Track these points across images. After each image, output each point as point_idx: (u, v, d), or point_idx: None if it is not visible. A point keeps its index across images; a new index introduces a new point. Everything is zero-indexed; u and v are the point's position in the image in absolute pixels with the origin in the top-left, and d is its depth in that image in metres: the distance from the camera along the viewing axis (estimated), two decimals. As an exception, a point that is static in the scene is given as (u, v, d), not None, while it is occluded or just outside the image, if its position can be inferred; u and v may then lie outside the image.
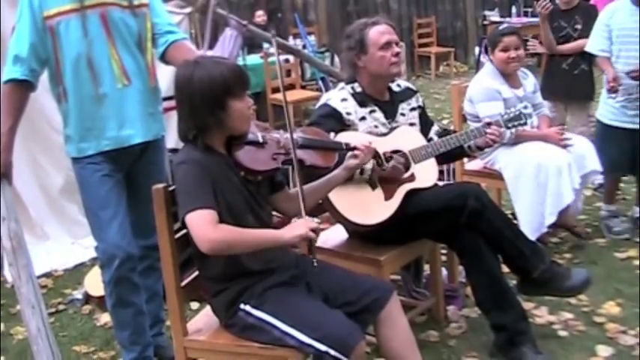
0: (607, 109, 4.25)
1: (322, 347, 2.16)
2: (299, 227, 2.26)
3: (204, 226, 2.16)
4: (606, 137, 4.22)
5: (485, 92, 3.93)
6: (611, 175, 4.34)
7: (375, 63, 3.08)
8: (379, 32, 3.08)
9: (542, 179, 3.75)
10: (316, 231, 2.26)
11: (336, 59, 9.31)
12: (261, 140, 2.38)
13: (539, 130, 4.04)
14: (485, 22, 12.15)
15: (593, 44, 4.27)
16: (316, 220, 2.34)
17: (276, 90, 7.87)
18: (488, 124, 3.14)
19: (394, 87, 3.26)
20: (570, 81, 4.56)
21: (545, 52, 5.11)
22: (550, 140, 3.91)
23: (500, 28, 4.14)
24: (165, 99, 3.17)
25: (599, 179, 4.57)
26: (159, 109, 3.04)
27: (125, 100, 2.83)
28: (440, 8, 12.45)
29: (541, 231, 3.79)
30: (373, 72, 3.11)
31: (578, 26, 4.76)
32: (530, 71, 4.28)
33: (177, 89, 2.31)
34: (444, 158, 3.23)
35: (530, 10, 12.35)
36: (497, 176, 4.05)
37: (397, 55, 3.09)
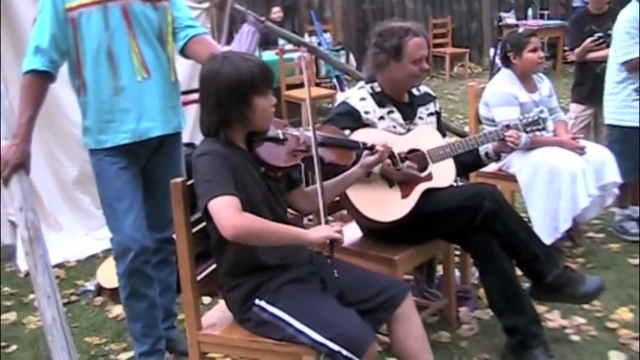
0: (630, 111, 4.21)
1: (335, 347, 2.17)
2: (325, 229, 2.27)
3: (228, 211, 2.16)
4: (631, 140, 4.17)
5: (502, 97, 3.92)
6: (635, 178, 4.33)
7: (403, 73, 3.08)
8: (417, 46, 3.06)
9: (555, 185, 3.74)
10: (341, 233, 2.27)
11: (351, 57, 9.32)
12: (281, 137, 2.39)
13: (555, 137, 4.03)
14: (501, 24, 12.14)
15: (630, 50, 4.12)
16: (330, 218, 2.35)
17: (290, 87, 7.88)
18: (507, 127, 3.13)
19: (414, 91, 3.26)
20: (604, 85, 4.50)
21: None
22: (565, 147, 3.90)
23: (520, 31, 4.12)
24: (183, 93, 3.18)
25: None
26: (178, 102, 3.05)
27: (144, 93, 2.83)
28: (455, 9, 12.43)
29: (555, 236, 3.78)
30: (396, 79, 3.11)
31: (611, 32, 4.70)
32: (544, 74, 4.27)
33: (204, 82, 2.32)
34: (461, 170, 3.23)
35: (546, 12, 12.34)
36: (512, 179, 4.04)
37: (423, 70, 3.11)
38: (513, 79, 4.02)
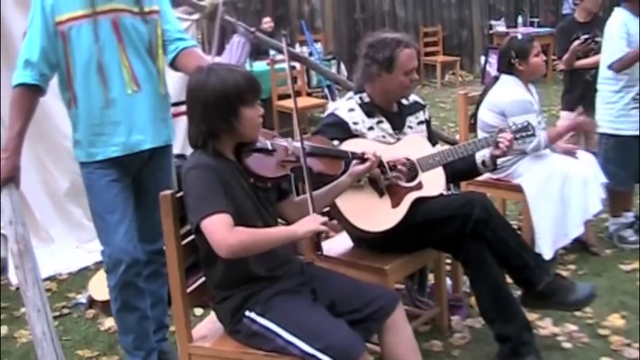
0: (627, 120, 4.22)
1: (325, 358, 2.16)
2: (310, 222, 2.27)
3: (221, 230, 2.17)
4: (629, 149, 4.20)
5: (520, 104, 3.87)
6: (630, 187, 4.36)
7: (394, 84, 3.09)
8: (409, 57, 3.07)
9: (566, 191, 3.81)
10: (327, 224, 2.27)
11: (342, 67, 9.33)
12: (270, 147, 2.40)
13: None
14: (492, 32, 12.20)
15: (617, 54, 4.14)
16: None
17: (282, 97, 7.89)
18: (500, 131, 3.13)
19: (403, 100, 3.26)
20: (594, 92, 4.52)
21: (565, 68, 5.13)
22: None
23: (520, 37, 4.13)
24: (173, 105, 3.19)
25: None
26: (169, 115, 3.06)
27: (135, 106, 2.84)
28: (446, 17, 12.48)
29: (563, 243, 3.87)
30: (387, 90, 3.12)
31: (599, 39, 4.71)
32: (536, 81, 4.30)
33: (190, 95, 2.33)
34: (456, 177, 3.25)
35: (536, 20, 12.42)
36: (503, 187, 4.06)
37: (414, 81, 3.13)
38: (521, 85, 4.01)
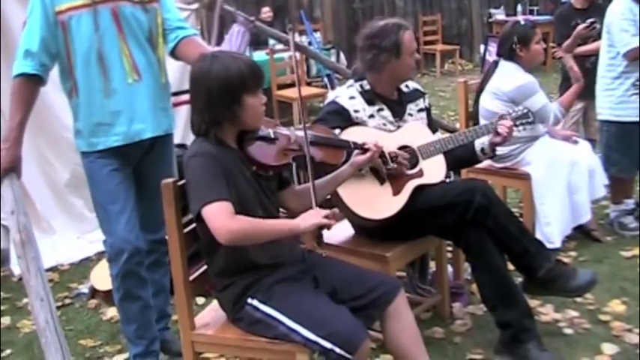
0: (628, 106, 4.19)
1: (327, 344, 2.17)
2: (313, 216, 2.27)
3: (222, 217, 2.18)
4: (630, 135, 4.19)
5: (528, 87, 3.86)
6: (632, 174, 4.38)
7: (403, 68, 3.10)
8: (410, 38, 3.10)
9: (573, 178, 3.83)
10: (329, 218, 2.27)
11: (342, 56, 9.33)
12: (272, 136, 2.40)
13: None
14: (491, 20, 12.18)
15: (630, 41, 4.07)
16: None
17: (281, 87, 7.89)
18: (500, 118, 3.13)
19: (403, 87, 3.26)
20: (594, 79, 4.51)
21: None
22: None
23: (522, 23, 4.09)
24: (173, 94, 3.18)
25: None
26: (169, 104, 3.05)
27: (135, 96, 2.84)
28: (445, 6, 12.47)
29: (571, 227, 3.91)
30: (396, 74, 3.13)
31: (597, 25, 4.68)
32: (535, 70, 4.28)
33: (194, 82, 2.32)
34: (456, 164, 3.25)
35: (535, 8, 12.39)
36: (504, 174, 4.06)
37: (416, 61, 3.16)
38: (522, 71, 3.97)
